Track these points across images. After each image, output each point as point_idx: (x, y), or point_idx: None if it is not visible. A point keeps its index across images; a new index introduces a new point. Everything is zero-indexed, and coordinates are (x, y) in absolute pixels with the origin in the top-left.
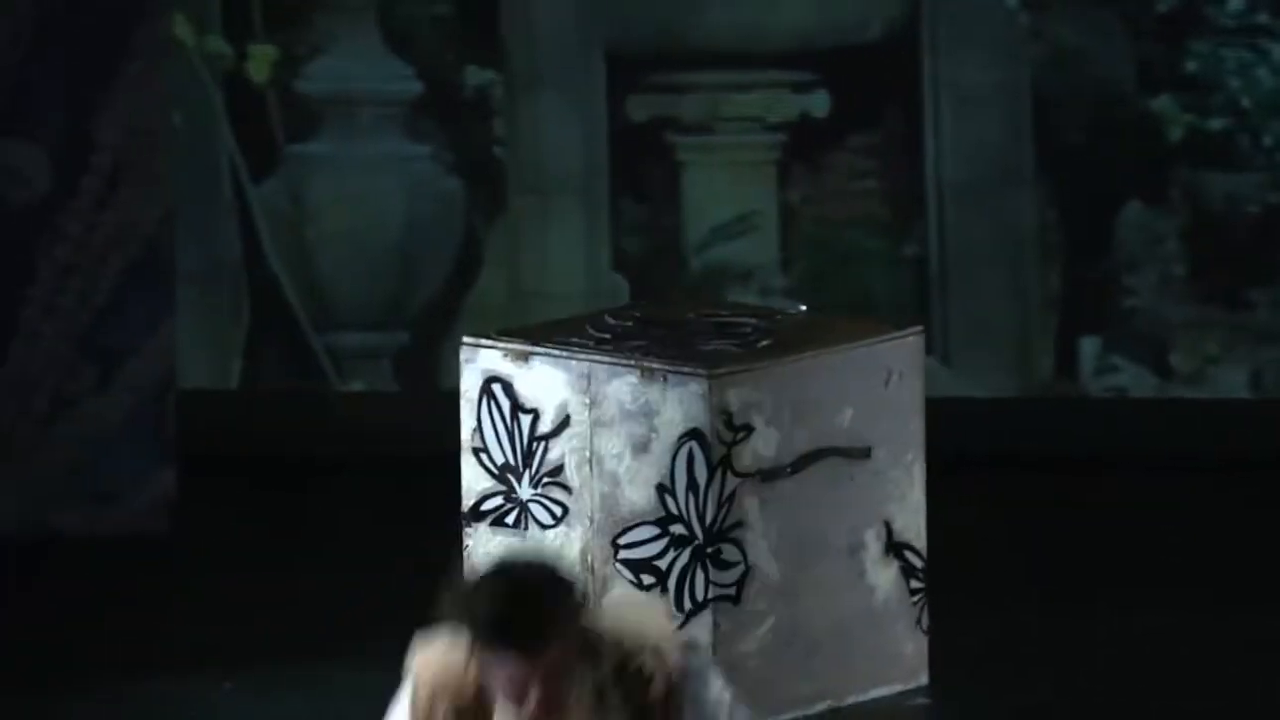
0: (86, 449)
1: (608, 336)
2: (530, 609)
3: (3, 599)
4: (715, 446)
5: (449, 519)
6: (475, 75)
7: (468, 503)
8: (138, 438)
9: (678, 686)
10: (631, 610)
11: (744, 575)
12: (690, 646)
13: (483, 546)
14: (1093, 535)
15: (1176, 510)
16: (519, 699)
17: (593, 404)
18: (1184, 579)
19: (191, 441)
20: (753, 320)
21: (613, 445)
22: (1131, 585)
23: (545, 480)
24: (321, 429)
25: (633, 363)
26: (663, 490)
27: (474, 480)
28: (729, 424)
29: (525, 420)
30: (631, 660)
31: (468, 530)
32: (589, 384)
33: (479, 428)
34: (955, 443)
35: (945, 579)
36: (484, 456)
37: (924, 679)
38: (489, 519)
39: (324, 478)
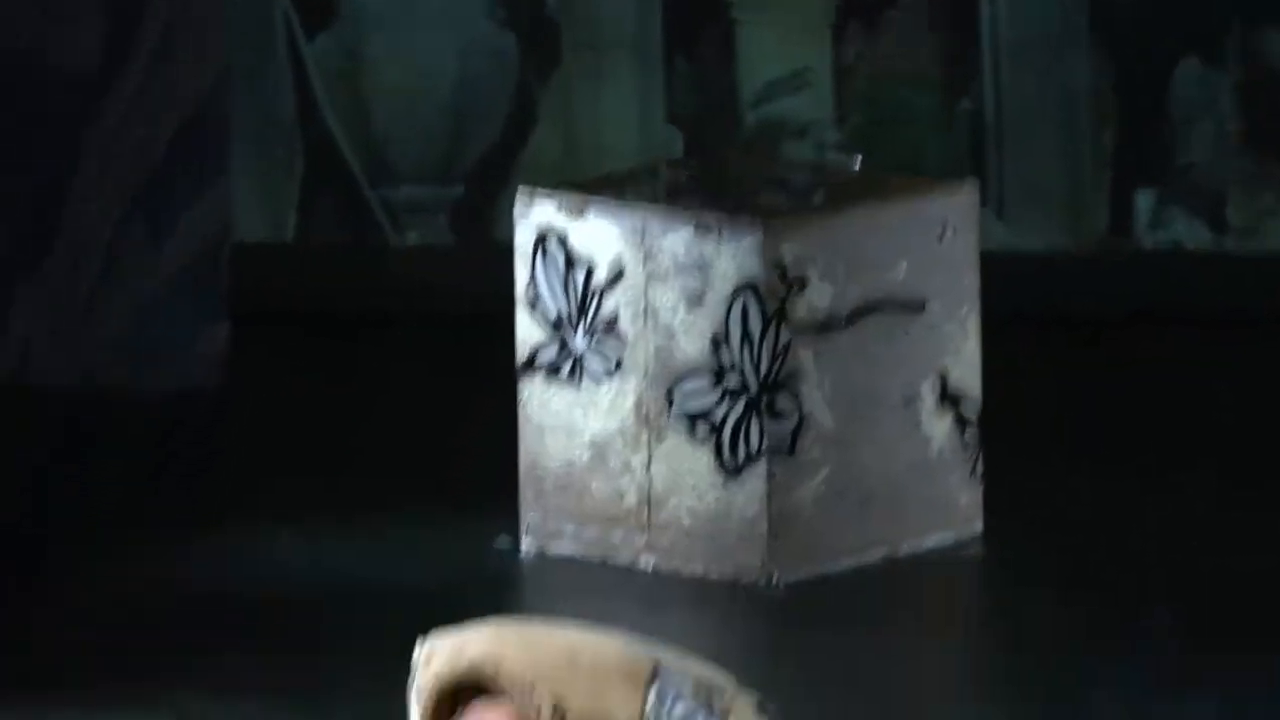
0: (139, 306)
1: (662, 190)
2: None
3: (56, 455)
4: (769, 299)
5: (503, 372)
6: None
7: (522, 356)
8: (190, 294)
9: None
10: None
11: (798, 426)
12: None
13: (537, 398)
14: (1146, 391)
15: (1230, 366)
16: None
17: (647, 257)
18: (1238, 437)
19: (245, 297)
20: (807, 174)
21: (667, 298)
22: (1185, 442)
23: (599, 333)
24: (376, 283)
25: (688, 216)
26: (717, 343)
27: (528, 333)
28: (783, 277)
29: (579, 273)
30: None
31: (522, 382)
32: (643, 237)
33: (533, 281)
34: (1009, 297)
35: (998, 434)
36: (538, 309)
37: (978, 527)
38: (543, 372)
39: (378, 331)
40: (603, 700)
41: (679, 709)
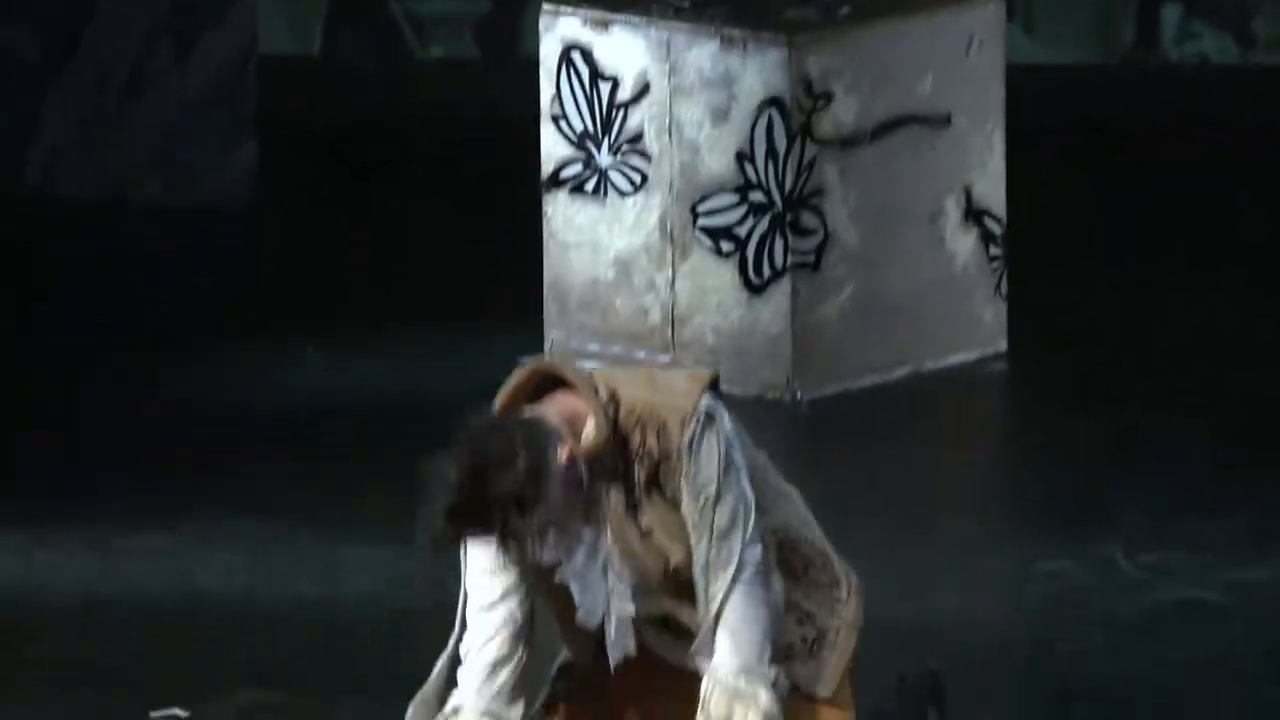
0: (166, 123)
1: (687, 4)
2: (486, 518)
3: (86, 270)
4: (795, 114)
5: (529, 186)
6: None
7: (547, 170)
8: (217, 111)
9: (681, 446)
10: (663, 380)
11: (823, 242)
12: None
13: (561, 213)
14: (1172, 202)
15: (1258, 177)
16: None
17: (672, 71)
18: (1262, 248)
19: (272, 115)
20: None
21: (692, 113)
22: (1212, 252)
23: (625, 148)
24: (402, 96)
25: (713, 30)
26: (742, 158)
27: (553, 148)
28: (809, 91)
29: (605, 88)
30: (644, 432)
31: (547, 197)
32: (668, 51)
33: (558, 95)
34: (1035, 110)
35: (1024, 247)
36: (563, 124)
37: (1002, 345)
38: (568, 186)
39: (404, 145)
40: (660, 393)
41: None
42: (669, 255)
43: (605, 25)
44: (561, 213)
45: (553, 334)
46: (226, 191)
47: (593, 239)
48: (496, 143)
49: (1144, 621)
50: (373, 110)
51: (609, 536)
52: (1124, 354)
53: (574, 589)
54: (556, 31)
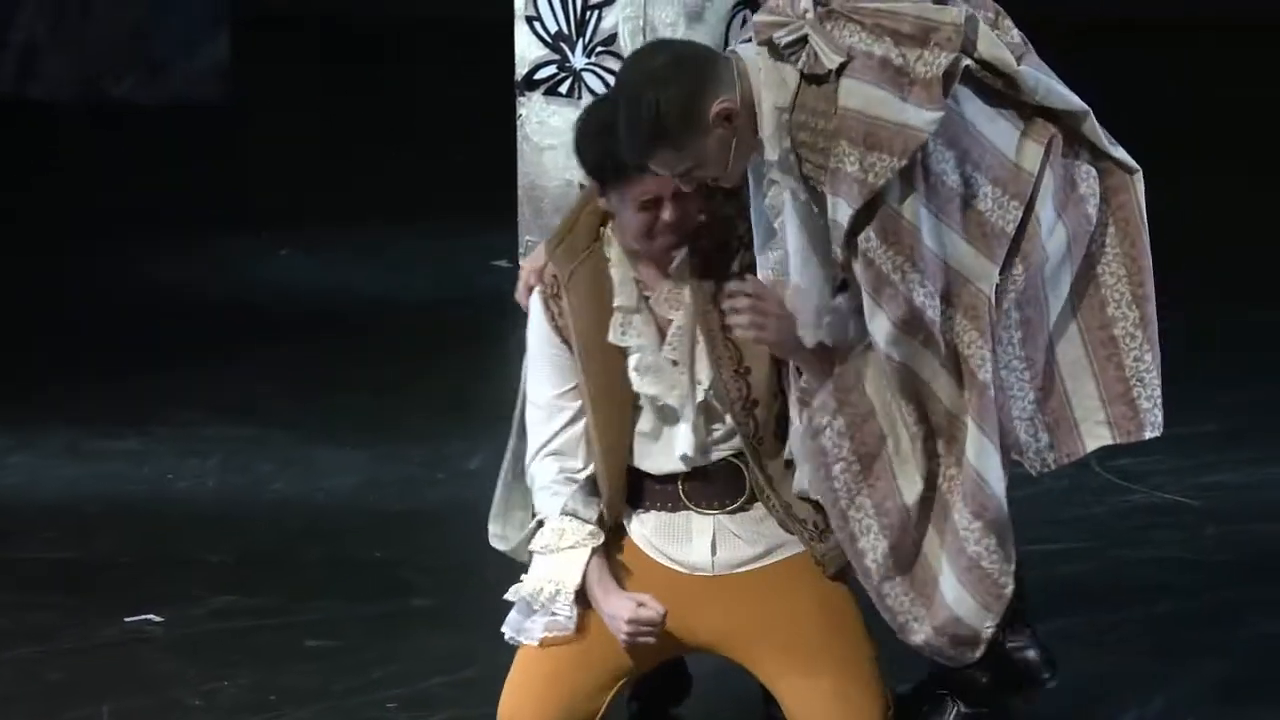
0: (140, 17)
1: None
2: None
3: (63, 165)
4: None
5: (502, 86)
6: None
7: (520, 71)
8: (190, 6)
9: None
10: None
11: None
12: None
13: (535, 116)
14: (1166, 98)
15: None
16: (650, 226)
17: None
18: (1248, 139)
19: (244, 6)
20: None
21: (666, 14)
22: (1203, 146)
23: (599, 49)
24: None
25: None
26: None
27: (527, 49)
28: None
29: None
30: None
31: (521, 99)
32: None
33: None
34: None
35: None
36: (537, 25)
37: None
38: (542, 88)
39: (376, 43)
40: None
41: None
42: None
43: None
44: (535, 115)
45: (527, 237)
46: (199, 87)
47: (567, 141)
48: (469, 43)
49: (1117, 524)
50: (345, 5)
51: (690, 316)
52: None
53: (644, 383)
54: None
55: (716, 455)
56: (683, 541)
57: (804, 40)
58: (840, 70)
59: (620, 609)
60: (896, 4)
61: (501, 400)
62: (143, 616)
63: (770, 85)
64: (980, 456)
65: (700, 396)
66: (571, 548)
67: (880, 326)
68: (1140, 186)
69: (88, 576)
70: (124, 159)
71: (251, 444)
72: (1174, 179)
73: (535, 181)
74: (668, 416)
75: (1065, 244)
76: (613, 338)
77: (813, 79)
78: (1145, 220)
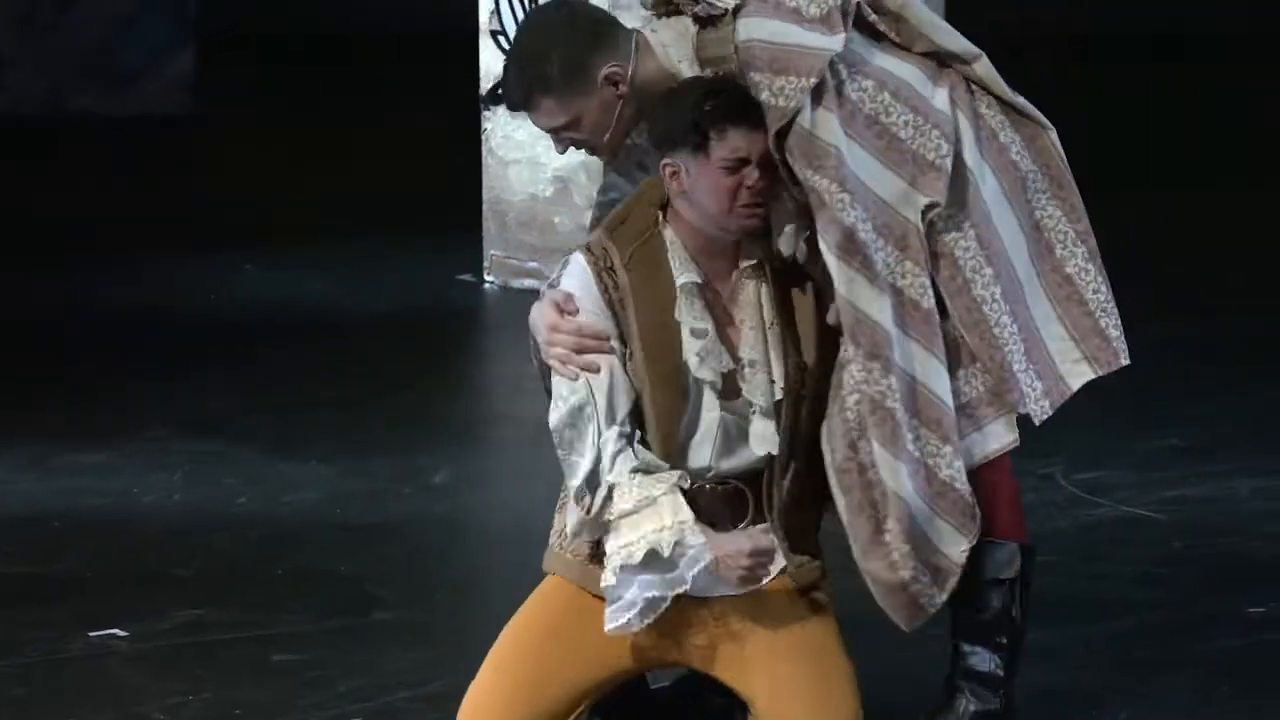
0: (105, 31)
1: None
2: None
3: (25, 178)
4: None
5: (468, 101)
6: None
7: (485, 86)
8: (156, 19)
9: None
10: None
11: None
12: None
13: (501, 130)
14: (1117, 113)
15: (1205, 86)
16: (735, 188)
17: None
18: (1207, 152)
19: (211, 21)
20: None
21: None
22: (1163, 160)
23: None
24: (340, 7)
25: None
26: None
27: (492, 63)
28: None
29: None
30: None
31: (486, 113)
32: None
33: (497, 10)
34: (979, 23)
35: None
36: (502, 39)
37: None
38: (506, 104)
39: (341, 59)
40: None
41: None
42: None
43: None
44: (500, 129)
45: (492, 251)
46: (164, 101)
47: (531, 156)
48: (435, 58)
49: (1083, 538)
50: (310, 21)
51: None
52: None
53: (703, 368)
54: None
55: (731, 468)
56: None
57: None
58: (736, 12)
59: (738, 544)
60: None
61: (466, 414)
62: (108, 631)
63: (672, 41)
64: (936, 382)
65: (778, 395)
66: (666, 494)
67: (828, 259)
68: (1055, 137)
69: (53, 591)
70: (88, 172)
71: (217, 458)
72: (1132, 192)
73: (500, 196)
74: (719, 424)
75: (1002, 195)
76: (679, 315)
77: (709, 21)
78: (1068, 165)
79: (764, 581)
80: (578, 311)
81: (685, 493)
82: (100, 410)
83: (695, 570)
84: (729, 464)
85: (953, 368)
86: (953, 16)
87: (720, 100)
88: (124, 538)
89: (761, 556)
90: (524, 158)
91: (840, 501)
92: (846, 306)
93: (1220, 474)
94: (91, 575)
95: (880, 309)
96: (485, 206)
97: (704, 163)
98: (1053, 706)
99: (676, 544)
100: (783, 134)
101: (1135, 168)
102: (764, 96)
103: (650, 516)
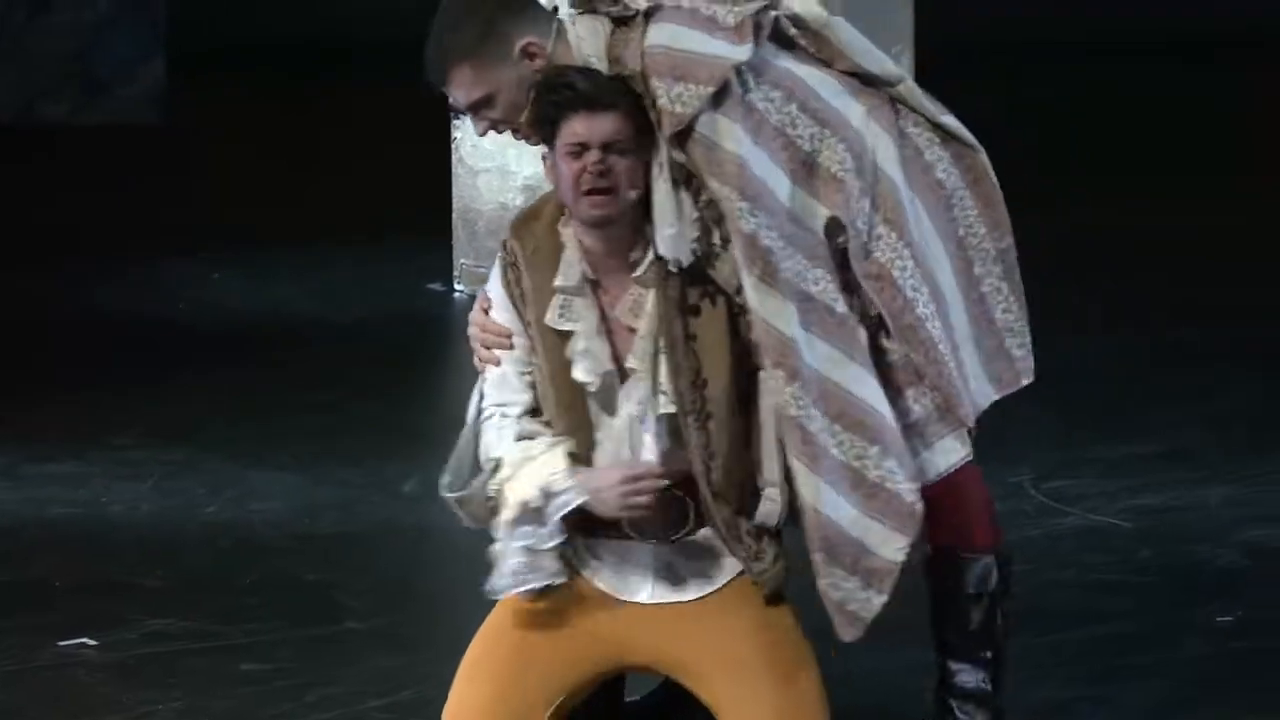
0: (76, 41)
1: None
2: (598, 77)
3: None
4: None
5: (437, 109)
6: None
7: None
8: (127, 29)
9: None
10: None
11: None
12: None
13: (470, 139)
14: (1074, 122)
15: (1160, 96)
16: (578, 174)
17: None
18: (1168, 159)
19: (182, 31)
20: None
21: None
22: (1121, 174)
23: None
24: (310, 15)
25: None
26: None
27: None
28: None
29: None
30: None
31: (455, 122)
32: None
33: None
34: (943, 33)
35: None
36: None
37: None
38: None
39: (313, 66)
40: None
41: None
42: None
43: None
44: (470, 138)
45: (461, 260)
46: (137, 109)
47: (501, 164)
48: (407, 64)
49: (1051, 547)
50: (280, 30)
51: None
52: (1036, 278)
53: (580, 369)
54: None
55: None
56: (621, 570)
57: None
58: (649, 16)
59: (611, 475)
60: None
61: (436, 423)
62: (77, 640)
63: (586, 35)
64: (857, 385)
65: (662, 407)
66: (542, 453)
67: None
68: (985, 159)
69: (21, 600)
70: (60, 180)
71: (186, 467)
72: (1086, 205)
73: (470, 205)
74: (627, 428)
75: (924, 213)
76: (550, 319)
77: (622, 21)
78: (997, 184)
79: (680, 534)
80: (489, 308)
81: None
82: (69, 419)
83: (563, 514)
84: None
85: (901, 387)
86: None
87: (565, 90)
88: (93, 547)
89: (636, 481)
90: (493, 166)
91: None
92: (755, 315)
93: (1189, 482)
94: (60, 584)
95: (784, 317)
96: (455, 215)
97: (558, 152)
98: (1021, 715)
99: (546, 493)
100: (683, 140)
101: (1111, 170)
102: (661, 102)
103: (528, 475)
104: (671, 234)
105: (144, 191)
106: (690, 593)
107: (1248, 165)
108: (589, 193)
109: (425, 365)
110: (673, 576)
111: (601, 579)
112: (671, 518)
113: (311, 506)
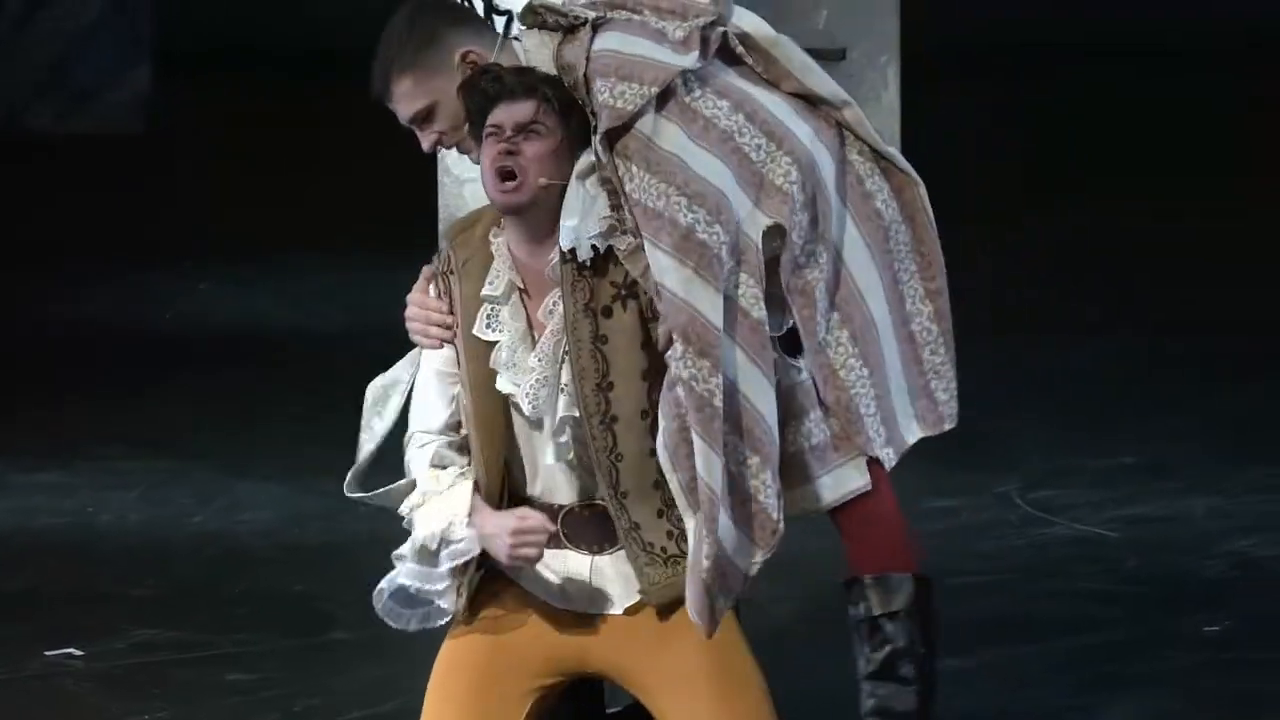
0: (61, 48)
1: None
2: (526, 72)
3: None
4: None
5: None
6: None
7: None
8: (112, 36)
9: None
10: None
11: None
12: None
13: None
14: (1065, 129)
15: (1147, 101)
16: (492, 158)
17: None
18: (1155, 167)
19: (166, 40)
20: None
21: None
22: (1118, 176)
23: None
24: (291, 25)
25: None
26: None
27: None
28: None
29: (499, 22)
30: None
31: None
32: None
33: None
34: (931, 42)
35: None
36: None
37: None
38: None
39: (296, 75)
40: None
41: None
42: None
43: None
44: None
45: None
46: (121, 118)
47: None
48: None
49: (1038, 557)
50: (265, 40)
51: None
52: (1018, 289)
53: (503, 380)
54: None
55: (592, 493)
56: (560, 578)
57: (565, 14)
58: (596, 26)
59: (503, 523)
60: None
61: None
62: (63, 650)
63: (534, 47)
64: (757, 393)
65: (563, 409)
66: (450, 487)
67: (659, 263)
68: (924, 192)
69: (8, 610)
70: (44, 190)
71: (172, 477)
72: (1082, 208)
73: (455, 214)
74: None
75: (861, 240)
76: (476, 329)
77: (571, 30)
78: (933, 222)
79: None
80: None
81: (555, 513)
82: (55, 429)
83: (454, 564)
84: (589, 482)
85: (806, 408)
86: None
87: (489, 83)
88: (80, 557)
89: (526, 536)
90: (479, 177)
91: (687, 523)
92: (681, 305)
93: (1174, 492)
94: (47, 594)
95: (715, 309)
96: (440, 225)
97: (483, 145)
98: None
99: (443, 540)
100: (617, 137)
101: (1104, 174)
102: (603, 98)
103: (432, 511)
104: (572, 225)
105: (130, 200)
106: (629, 599)
107: (1245, 168)
108: (497, 174)
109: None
110: (610, 587)
111: (541, 587)
112: (604, 530)
113: (298, 517)
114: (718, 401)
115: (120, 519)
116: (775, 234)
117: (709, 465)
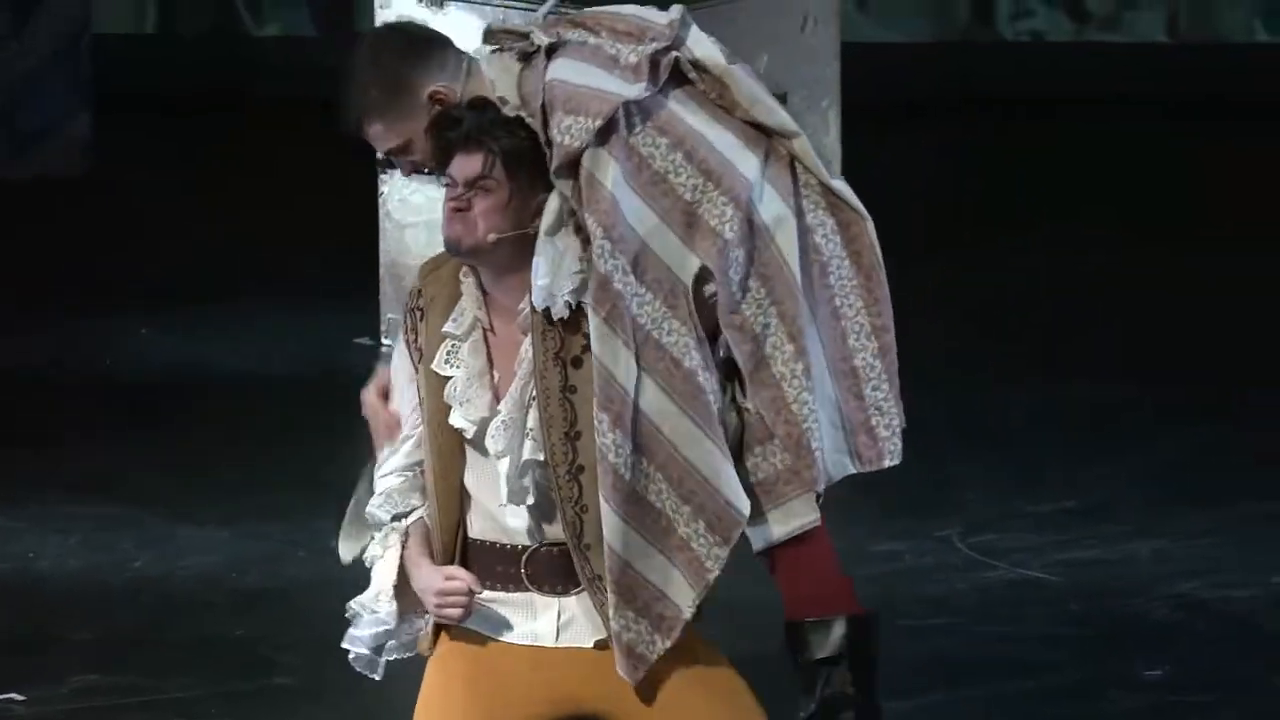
0: (2, 94)
1: None
2: (484, 115)
3: None
4: None
5: (364, 164)
6: None
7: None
8: (54, 82)
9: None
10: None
11: None
12: None
13: (397, 193)
14: (1009, 175)
15: (1091, 149)
16: (453, 230)
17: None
18: (1097, 213)
19: (108, 86)
20: None
21: None
22: (1054, 221)
23: None
24: (238, 72)
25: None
26: None
27: None
28: None
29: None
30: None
31: (383, 176)
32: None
33: None
34: (871, 88)
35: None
36: None
37: None
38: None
39: (239, 121)
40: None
41: None
42: None
43: (441, 4)
44: (397, 192)
45: (388, 314)
46: (61, 162)
47: (429, 219)
48: (332, 119)
49: (980, 600)
50: (207, 85)
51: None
52: (963, 331)
53: (456, 413)
54: (392, 9)
55: (555, 536)
56: (526, 619)
57: (527, 35)
58: (551, 51)
59: (430, 582)
60: (622, 7)
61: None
62: (5, 695)
63: (497, 75)
64: (689, 444)
65: (528, 453)
66: (387, 550)
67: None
68: (872, 229)
69: None
70: None
71: (113, 522)
72: (1027, 252)
73: (397, 259)
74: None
75: (800, 277)
76: (436, 365)
77: (527, 57)
78: (880, 259)
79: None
80: (388, 392)
81: (521, 554)
82: None
83: (373, 632)
84: (551, 527)
85: (750, 444)
86: None
87: (446, 131)
88: (21, 601)
89: (449, 597)
90: (421, 221)
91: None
92: (596, 363)
93: (1116, 536)
94: None
95: (620, 362)
96: (382, 270)
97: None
98: None
99: (367, 609)
100: (572, 173)
101: (1048, 219)
102: (552, 134)
103: (378, 571)
104: (544, 284)
105: (70, 245)
106: (599, 634)
107: (1193, 215)
108: (448, 233)
109: (352, 420)
110: (579, 626)
111: (507, 629)
112: (570, 572)
113: (239, 561)
114: (611, 457)
115: (61, 564)
116: (705, 275)
117: (612, 528)
